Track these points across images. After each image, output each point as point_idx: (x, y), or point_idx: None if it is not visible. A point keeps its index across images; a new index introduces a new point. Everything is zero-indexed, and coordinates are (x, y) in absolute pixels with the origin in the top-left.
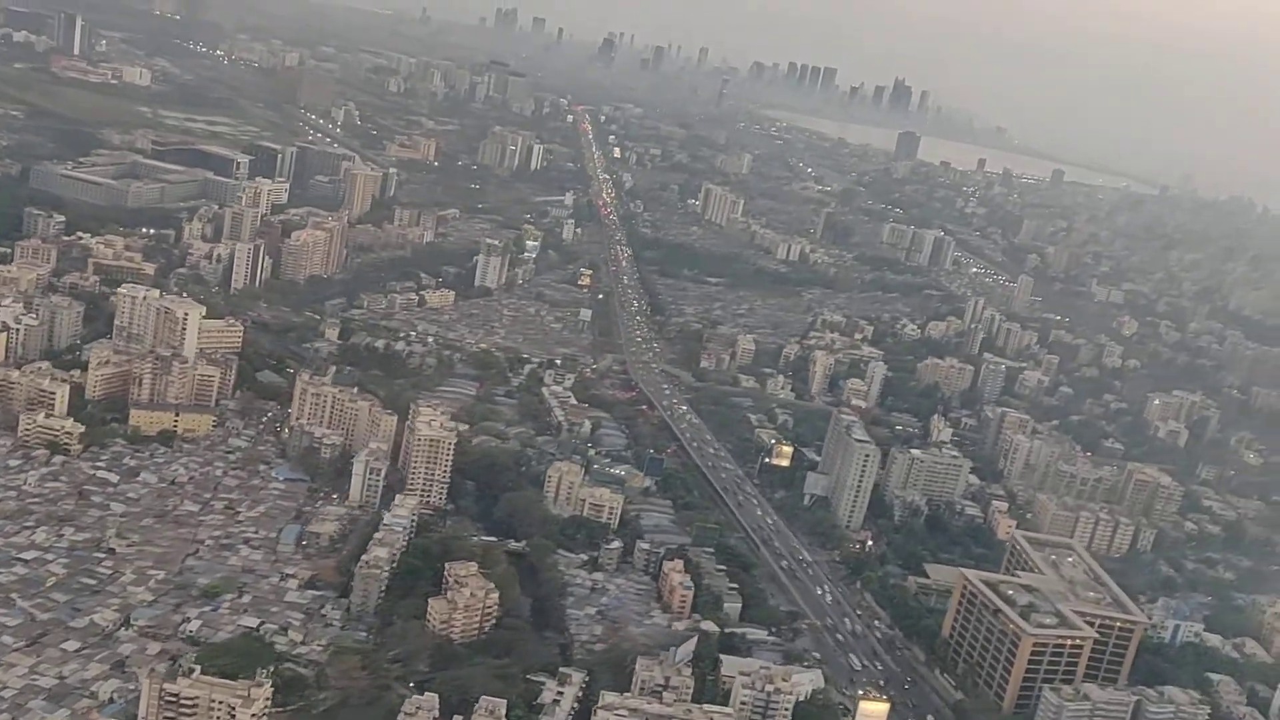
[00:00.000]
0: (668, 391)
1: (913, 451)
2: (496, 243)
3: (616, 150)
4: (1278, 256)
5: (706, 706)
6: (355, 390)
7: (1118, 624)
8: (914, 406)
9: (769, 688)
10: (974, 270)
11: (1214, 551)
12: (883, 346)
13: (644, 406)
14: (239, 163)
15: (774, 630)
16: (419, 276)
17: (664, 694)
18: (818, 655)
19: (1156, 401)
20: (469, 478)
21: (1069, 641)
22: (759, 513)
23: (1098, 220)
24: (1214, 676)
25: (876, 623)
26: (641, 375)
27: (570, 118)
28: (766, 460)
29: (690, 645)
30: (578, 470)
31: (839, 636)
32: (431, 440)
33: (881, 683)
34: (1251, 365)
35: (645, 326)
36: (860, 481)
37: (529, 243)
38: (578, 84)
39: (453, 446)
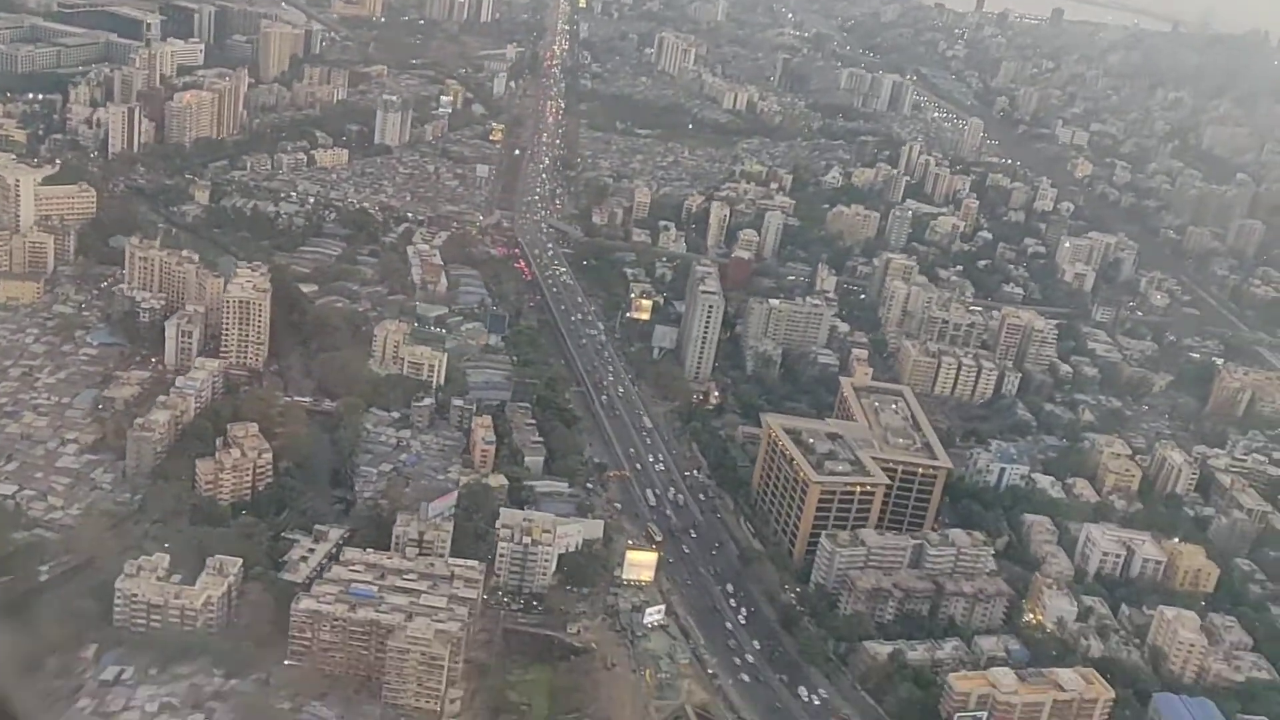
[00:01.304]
0: (550, 247)
1: (770, 301)
2: (395, 99)
3: (582, 1)
4: (1270, 92)
5: (454, 559)
6: (185, 253)
7: (920, 470)
8: (814, 256)
9: (526, 539)
10: (935, 115)
11: (1086, 394)
12: (802, 195)
13: (519, 263)
14: (149, 24)
15: (575, 483)
16: (314, 136)
17: (418, 548)
18: (619, 506)
19: (1067, 244)
20: (303, 338)
21: (859, 488)
22: (607, 367)
23: (1087, 60)
24: (1031, 518)
25: (695, 472)
26: (527, 231)
27: None
28: (626, 314)
29: (447, 500)
30: (402, 329)
31: (649, 488)
32: (241, 301)
33: (665, 532)
34: (1195, 205)
35: (551, 181)
36: (705, 332)
37: (444, 98)
38: None
39: (266, 307)
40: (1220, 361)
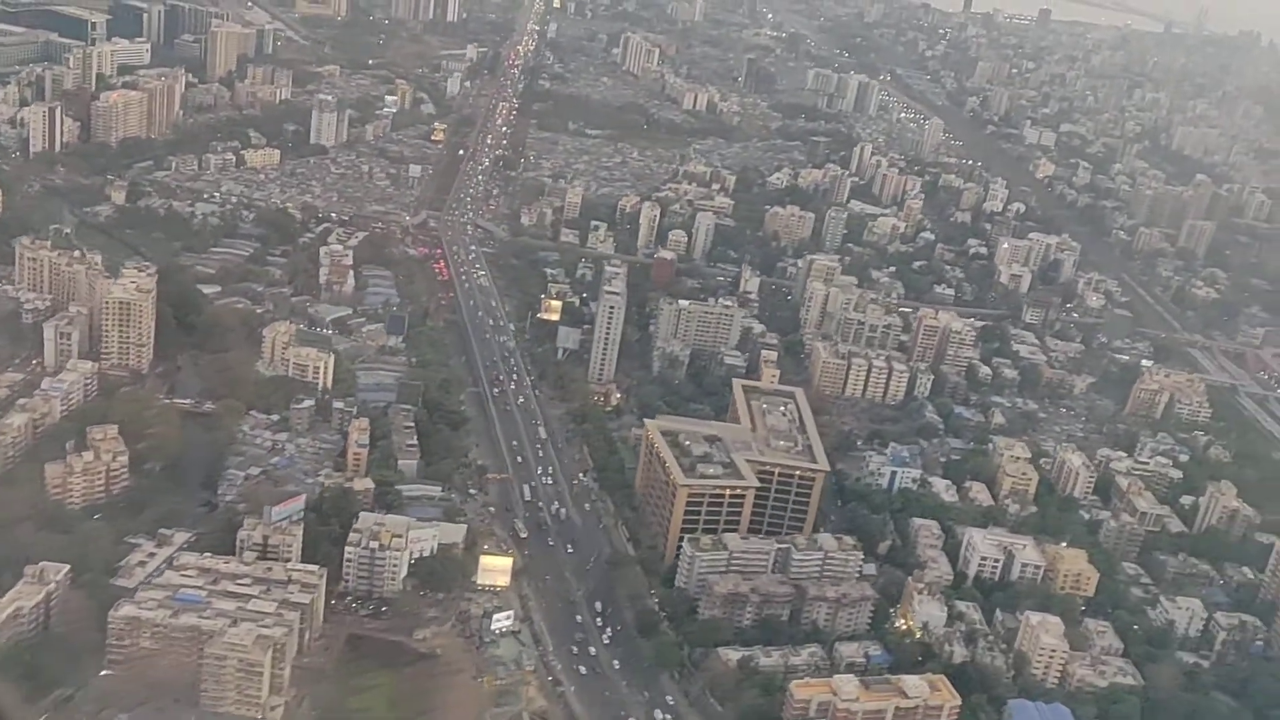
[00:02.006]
0: (473, 248)
1: (681, 302)
2: (330, 99)
3: (558, 1)
4: (1250, 93)
5: (296, 565)
6: (76, 253)
7: (797, 473)
8: (746, 257)
9: (374, 544)
10: (902, 115)
11: (1003, 396)
12: (746, 196)
13: (439, 264)
14: (94, 23)
15: (451, 487)
16: (248, 136)
17: (262, 553)
18: (492, 510)
19: (1005, 245)
20: (197, 339)
21: (728, 491)
22: (510, 368)
23: (1069, 60)
24: (919, 522)
25: (583, 475)
26: (453, 232)
27: None
28: (536, 315)
29: (293, 504)
30: (290, 330)
31: (530, 490)
32: (122, 302)
33: (539, 535)
34: (1151, 205)
35: (489, 182)
36: (608, 333)
37: (389, 98)
38: None
39: (149, 308)
40: (1148, 364)
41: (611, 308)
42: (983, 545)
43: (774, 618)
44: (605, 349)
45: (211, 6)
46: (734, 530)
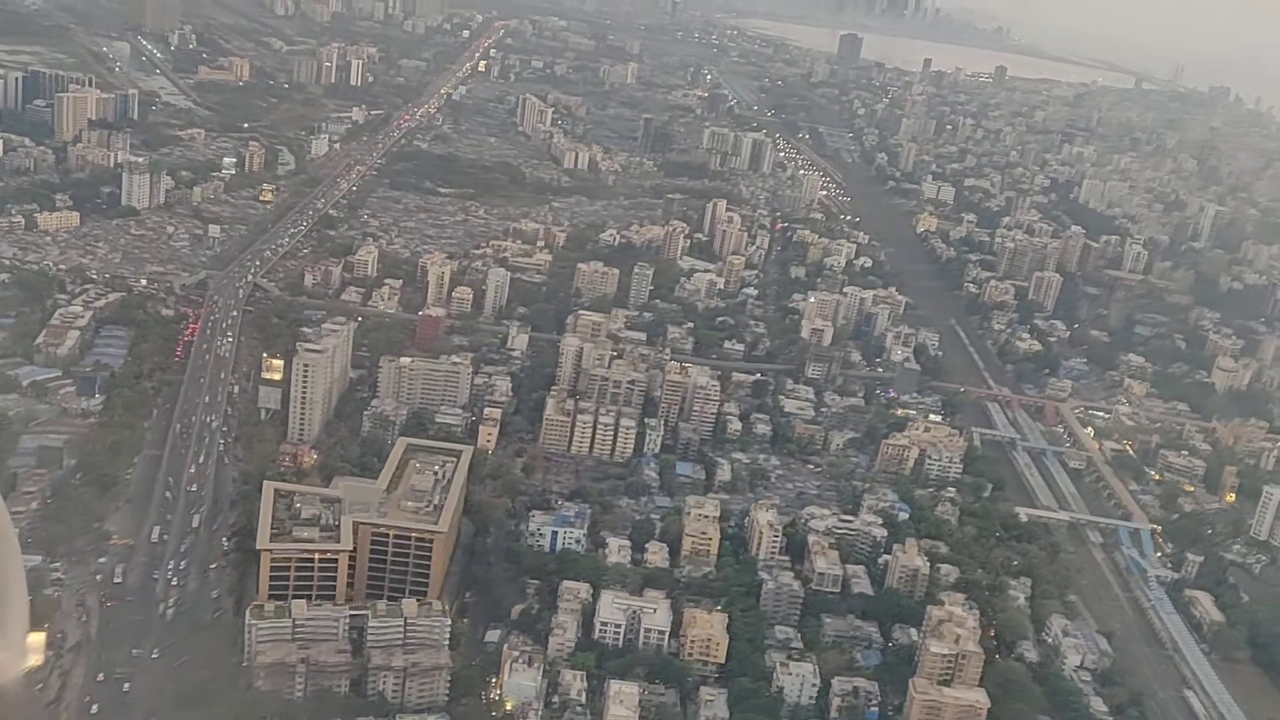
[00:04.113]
0: (234, 311)
1: (403, 360)
2: (140, 161)
3: (482, 64)
4: (1189, 146)
5: None
6: None
7: (414, 534)
8: (539, 313)
9: None
10: (801, 173)
11: (747, 452)
12: (574, 253)
13: (193, 324)
14: None
15: (55, 555)
16: (52, 200)
17: None
18: (99, 577)
19: (811, 300)
20: None
21: (317, 555)
22: (208, 428)
23: (1007, 117)
24: (569, 584)
25: (226, 540)
26: (227, 291)
27: (466, 33)
28: (262, 374)
29: None
30: None
31: (159, 553)
32: None
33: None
34: (1011, 258)
35: (302, 241)
36: (304, 392)
37: (225, 159)
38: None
39: None
40: (936, 418)
41: (306, 366)
42: (607, 609)
43: (329, 690)
44: (304, 409)
45: (76, 72)
46: (330, 596)
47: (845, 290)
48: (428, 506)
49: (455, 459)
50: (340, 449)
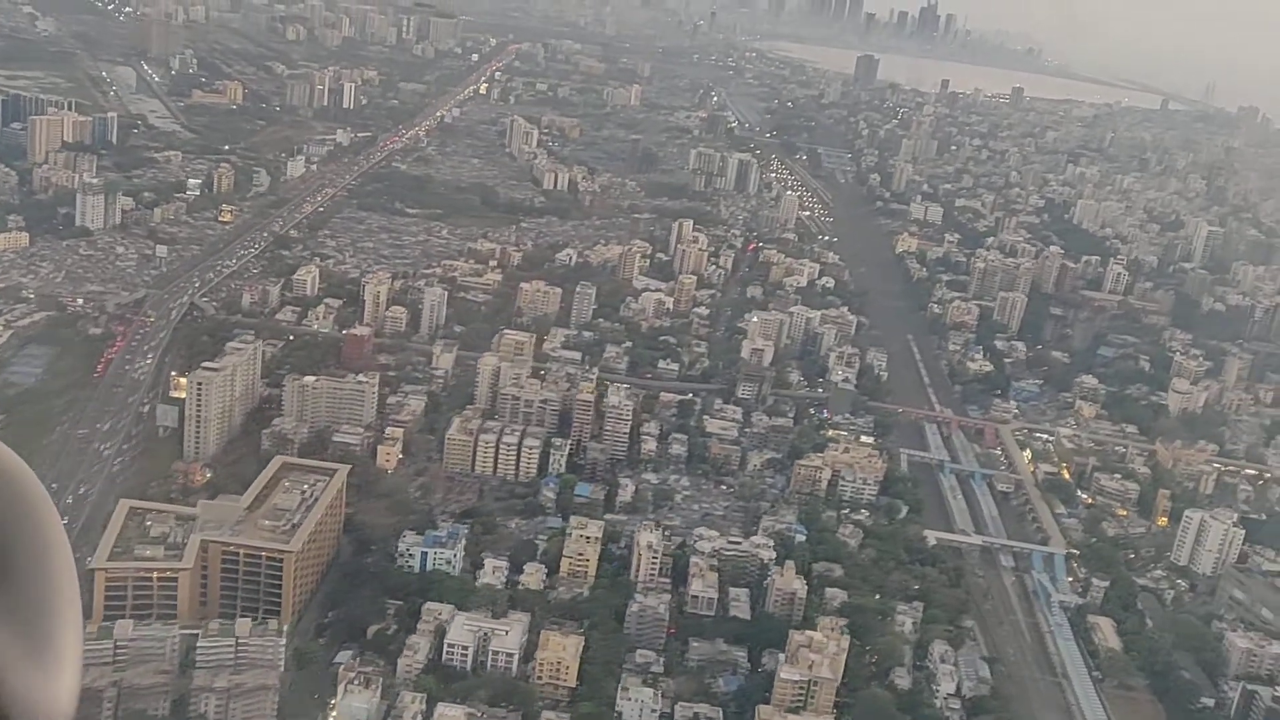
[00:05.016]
0: (162, 332)
1: (306, 379)
2: (96, 182)
3: (483, 87)
4: (1202, 167)
5: None
6: None
7: (264, 554)
8: (475, 332)
9: None
10: (789, 194)
11: (658, 472)
12: (528, 273)
13: (118, 342)
14: None
15: None
16: (4, 220)
17: None
18: None
19: (755, 319)
20: None
21: (155, 574)
22: (101, 449)
23: (1016, 138)
24: (432, 605)
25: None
26: (162, 311)
27: (476, 56)
28: (169, 393)
29: None
30: None
31: None
32: None
33: None
34: (981, 278)
35: (254, 261)
36: (199, 410)
37: (190, 181)
38: (553, 23)
39: None
40: (868, 439)
41: (200, 384)
42: (456, 631)
43: (143, 713)
44: (199, 427)
45: (73, 97)
46: (173, 616)
47: (791, 310)
48: (285, 525)
49: (327, 478)
50: (236, 467)
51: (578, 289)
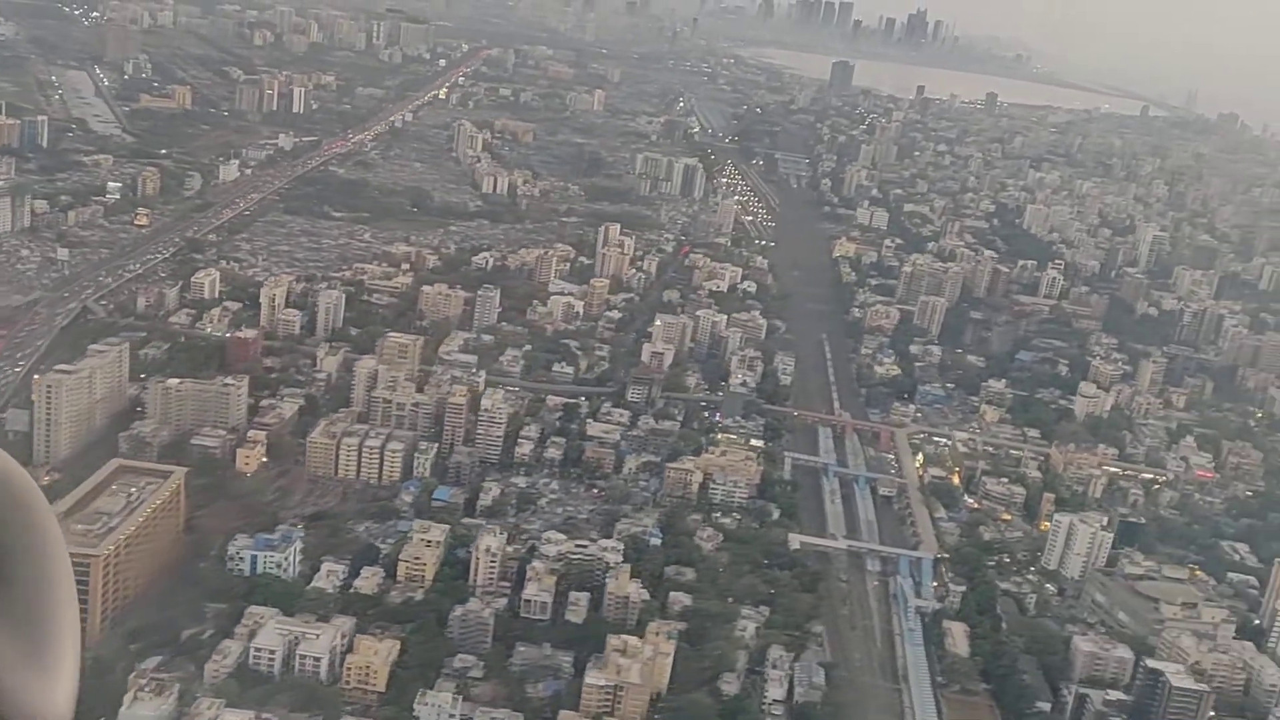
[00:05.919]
0: (43, 337)
1: (170, 381)
2: (2, 185)
3: (443, 92)
4: (1167, 172)
5: None
6: None
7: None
8: (369, 335)
9: None
10: (728, 199)
11: (533, 476)
12: (444, 276)
13: None
14: None
15: None
16: None
17: None
18: None
19: (658, 323)
20: None
21: None
22: None
23: (982, 143)
24: (254, 609)
25: None
26: (53, 314)
27: (444, 62)
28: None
29: None
30: None
31: None
32: None
33: None
34: (908, 282)
35: (164, 265)
36: (49, 414)
37: (111, 184)
38: (532, 29)
39: None
40: (758, 442)
41: (50, 387)
42: (265, 636)
43: None
44: (49, 431)
45: (18, 101)
46: None
47: (699, 313)
48: (100, 529)
49: (162, 479)
50: (85, 472)
51: (479, 292)
